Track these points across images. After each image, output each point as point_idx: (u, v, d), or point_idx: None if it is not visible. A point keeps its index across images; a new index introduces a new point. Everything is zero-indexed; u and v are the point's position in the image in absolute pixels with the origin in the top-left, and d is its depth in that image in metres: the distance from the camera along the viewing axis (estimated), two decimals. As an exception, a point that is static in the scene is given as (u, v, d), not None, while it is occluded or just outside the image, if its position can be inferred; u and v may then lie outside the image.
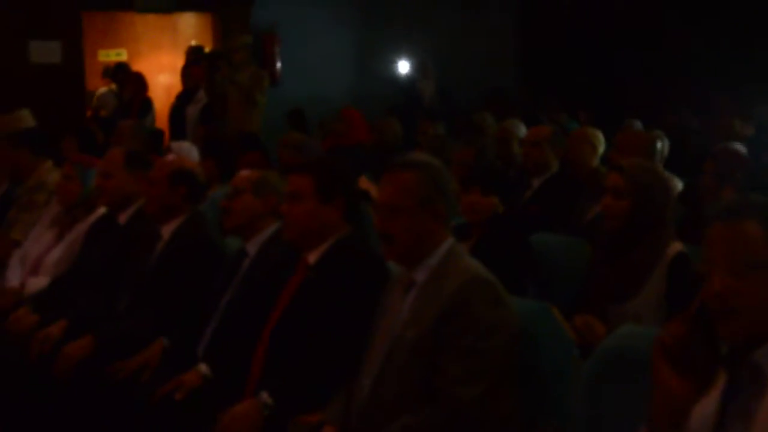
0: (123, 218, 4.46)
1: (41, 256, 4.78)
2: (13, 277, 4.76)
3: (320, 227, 3.23)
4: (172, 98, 10.34)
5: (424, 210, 2.77)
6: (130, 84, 9.77)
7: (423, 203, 2.77)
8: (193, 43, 10.75)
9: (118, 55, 11.42)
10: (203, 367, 3.38)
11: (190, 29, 11.74)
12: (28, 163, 5.37)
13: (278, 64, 11.32)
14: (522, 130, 6.45)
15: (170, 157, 4.73)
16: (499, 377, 2.58)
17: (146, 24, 11.60)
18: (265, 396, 2.97)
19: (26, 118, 5.57)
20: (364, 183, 5.96)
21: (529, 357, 2.65)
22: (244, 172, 3.81)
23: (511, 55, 12.49)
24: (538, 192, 5.22)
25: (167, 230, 4.09)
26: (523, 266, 4.07)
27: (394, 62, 11.81)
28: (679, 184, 5.30)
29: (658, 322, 3.12)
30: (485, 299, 2.62)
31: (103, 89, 10.68)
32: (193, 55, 10.30)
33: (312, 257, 3.23)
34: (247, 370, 3.23)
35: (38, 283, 4.61)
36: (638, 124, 7.70)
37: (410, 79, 11.52)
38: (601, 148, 5.59)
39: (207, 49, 10.82)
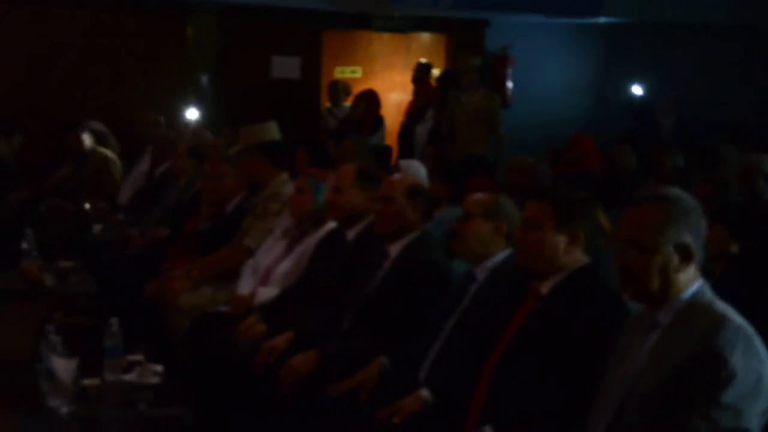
0: (351, 234, 4.48)
1: (271, 266, 4.89)
2: (245, 286, 4.89)
3: (554, 257, 3.08)
4: (402, 116, 10.46)
5: (672, 249, 2.57)
6: (362, 101, 9.92)
7: (671, 241, 2.57)
8: (422, 60, 10.80)
9: (353, 72, 11.67)
10: (425, 393, 3.30)
11: (423, 49, 11.85)
12: (266, 173, 5.52)
13: (509, 87, 11.23)
14: (769, 166, 6.03)
15: (396, 175, 4.70)
16: (750, 435, 2.35)
17: (381, 43, 11.80)
18: (488, 430, 2.85)
19: (273, 130, 5.73)
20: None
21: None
22: (477, 196, 3.71)
23: (754, 87, 11.82)
24: (788, 234, 4.82)
25: (395, 249, 4.06)
26: (766, 313, 3.76)
27: (629, 90, 11.46)
28: None
29: None
30: (738, 348, 2.39)
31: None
32: (421, 72, 10.36)
33: (544, 287, 3.09)
34: (470, 400, 3.12)
35: (267, 293, 4.71)
36: None
37: (647, 108, 11.13)
38: None
39: (437, 69, 10.87)
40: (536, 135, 10.15)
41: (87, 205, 7.53)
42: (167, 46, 10.15)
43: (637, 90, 11.50)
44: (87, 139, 8.45)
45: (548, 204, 3.11)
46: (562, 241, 3.08)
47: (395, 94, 11.72)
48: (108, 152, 8.45)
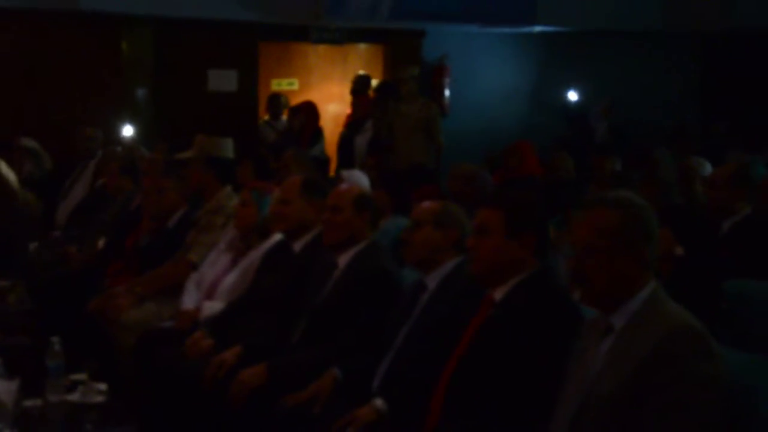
0: (298, 246, 4.43)
1: (216, 280, 4.82)
2: (189, 300, 4.82)
3: (507, 263, 3.07)
4: (339, 128, 10.43)
5: (626, 251, 2.57)
6: (301, 113, 9.87)
7: (625, 244, 2.57)
8: (360, 72, 10.80)
9: (290, 84, 11.60)
10: (379, 402, 3.27)
11: (360, 60, 11.84)
12: (210, 186, 5.45)
13: (447, 96, 11.27)
14: (707, 169, 6.14)
15: (344, 185, 4.69)
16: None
17: (318, 54, 11.76)
18: (446, 439, 2.84)
19: (228, 148, 5.68)
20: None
21: (747, 414, 2.41)
22: (425, 204, 3.69)
23: (687, 92, 12.05)
24: (728, 236, 4.90)
25: (343, 259, 4.02)
26: (713, 314, 3.81)
27: (565, 96, 11.61)
28: None
29: None
30: (695, 351, 2.40)
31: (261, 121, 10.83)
32: (359, 84, 10.35)
33: (498, 294, 3.08)
34: (426, 409, 3.10)
35: (213, 307, 4.63)
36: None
37: (581, 113, 11.29)
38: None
39: (375, 80, 10.88)
40: (475, 142, 10.20)
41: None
42: (102, 61, 9.99)
43: (572, 96, 11.65)
44: None
45: (499, 210, 3.11)
46: (514, 246, 3.07)
47: (333, 106, 11.68)
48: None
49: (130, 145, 8.62)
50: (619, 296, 2.58)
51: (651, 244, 2.61)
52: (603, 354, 2.57)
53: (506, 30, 11.26)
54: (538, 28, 11.05)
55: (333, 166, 9.61)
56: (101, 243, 6.28)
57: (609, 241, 2.57)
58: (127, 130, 9.49)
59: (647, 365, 2.41)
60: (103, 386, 3.73)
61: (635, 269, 2.58)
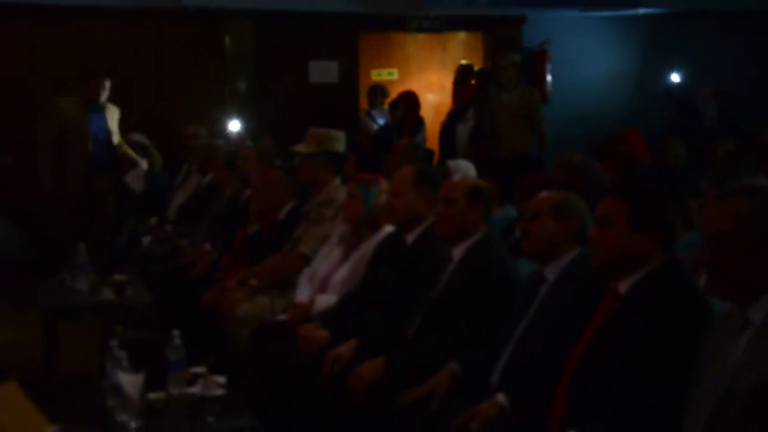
0: (410, 238, 4.40)
1: (329, 273, 4.83)
2: (303, 294, 4.84)
3: (631, 256, 2.98)
4: (439, 117, 10.38)
5: (763, 243, 2.47)
6: (402, 102, 9.87)
7: (761, 235, 2.47)
8: (463, 61, 10.74)
9: (390, 74, 11.61)
10: (501, 398, 3.22)
11: (459, 48, 11.77)
12: (324, 179, 5.45)
13: (549, 82, 11.11)
14: (829, 152, 5.91)
15: (456, 177, 4.65)
16: None
17: (417, 44, 11.74)
18: (574, 435, 2.78)
19: (342, 141, 5.64)
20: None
21: None
22: (544, 194, 3.61)
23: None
24: None
25: (458, 251, 3.97)
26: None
27: (669, 79, 11.33)
28: None
29: None
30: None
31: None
32: (463, 73, 10.28)
33: (623, 287, 2.99)
34: (548, 404, 3.05)
35: (326, 300, 4.65)
36: None
37: (687, 97, 11.00)
38: None
39: (476, 68, 10.81)
40: (577, 129, 10.06)
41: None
42: (205, 56, 10.17)
43: (675, 78, 11.35)
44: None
45: (623, 201, 3.02)
46: (637, 239, 2.98)
47: (432, 95, 11.66)
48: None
49: (236, 139, 8.74)
50: (756, 290, 2.48)
51: (789, 233, 2.50)
52: (741, 350, 2.48)
53: (609, 13, 11.04)
54: (642, 11, 10.81)
55: (437, 155, 9.56)
56: (206, 248, 6.35)
57: (745, 232, 2.47)
58: (234, 125, 9.62)
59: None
60: (222, 379, 3.77)
61: (773, 261, 2.48)
